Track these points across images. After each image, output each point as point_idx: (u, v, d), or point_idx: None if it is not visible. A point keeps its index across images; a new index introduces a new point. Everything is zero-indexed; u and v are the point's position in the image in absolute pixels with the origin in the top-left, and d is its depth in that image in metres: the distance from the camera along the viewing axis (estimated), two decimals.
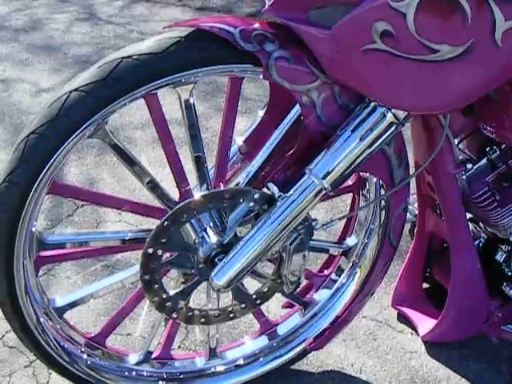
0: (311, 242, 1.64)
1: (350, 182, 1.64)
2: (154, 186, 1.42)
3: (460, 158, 1.64)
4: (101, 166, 2.64)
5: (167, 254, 1.46)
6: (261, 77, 1.33)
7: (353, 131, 1.36)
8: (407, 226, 2.06)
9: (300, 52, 1.32)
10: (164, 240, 1.40)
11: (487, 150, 1.68)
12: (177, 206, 1.39)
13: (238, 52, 1.30)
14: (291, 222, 1.40)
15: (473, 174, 1.69)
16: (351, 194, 1.69)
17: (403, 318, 1.93)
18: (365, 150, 1.37)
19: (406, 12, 1.23)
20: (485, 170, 1.69)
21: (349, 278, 1.70)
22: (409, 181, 1.56)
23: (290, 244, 1.45)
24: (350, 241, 1.70)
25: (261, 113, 1.58)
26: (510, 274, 1.81)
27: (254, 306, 1.57)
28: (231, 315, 1.57)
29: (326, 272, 1.75)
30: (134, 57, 1.28)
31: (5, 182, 1.30)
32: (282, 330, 1.74)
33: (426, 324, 1.86)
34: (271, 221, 1.39)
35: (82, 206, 2.37)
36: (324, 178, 1.37)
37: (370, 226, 1.64)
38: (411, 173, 1.56)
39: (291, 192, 1.39)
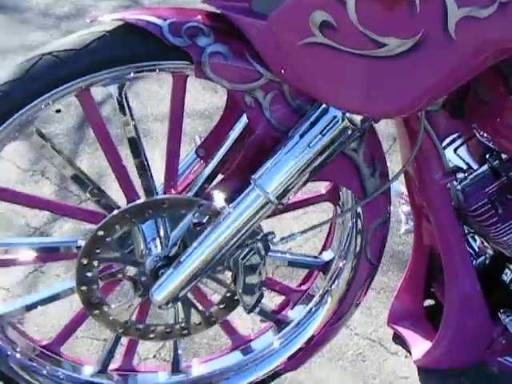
0: (286, 256, 1.52)
1: (323, 190, 1.48)
2: (96, 192, 1.31)
3: (451, 165, 1.44)
4: None
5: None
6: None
7: (301, 136, 1.21)
8: None
9: (241, 46, 1.17)
10: (98, 250, 1.29)
11: (487, 156, 1.48)
12: (109, 216, 1.27)
13: (169, 47, 1.16)
14: (235, 236, 1.25)
15: (470, 184, 1.49)
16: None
17: (399, 339, 1.74)
18: (315, 157, 1.21)
19: None
20: (485, 179, 1.48)
21: (325, 295, 1.54)
22: (386, 191, 1.39)
23: (242, 259, 1.31)
24: (326, 255, 1.54)
25: None
26: None
27: (210, 323, 1.44)
28: (184, 332, 1.44)
29: (303, 287, 1.60)
30: (54, 53, 1.17)
31: None
32: (256, 345, 1.61)
33: (420, 347, 1.67)
34: (212, 235, 1.25)
35: (87, 200, 2.29)
36: (269, 189, 1.22)
37: (346, 241, 1.48)
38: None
39: (235, 204, 1.25)
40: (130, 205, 1.28)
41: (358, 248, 1.45)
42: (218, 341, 1.78)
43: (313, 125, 1.20)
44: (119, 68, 1.18)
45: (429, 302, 1.76)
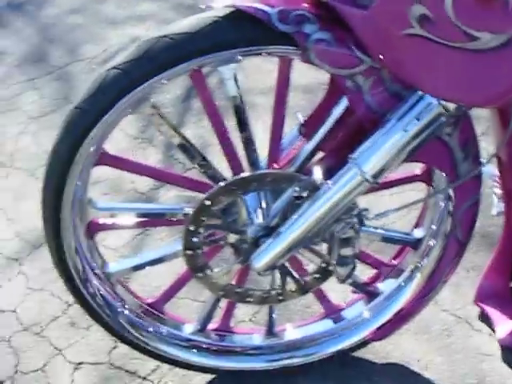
0: (379, 231, 1.58)
1: (417, 171, 1.54)
2: (203, 163, 1.42)
3: None
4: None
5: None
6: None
7: (398, 120, 1.27)
8: None
9: (343, 34, 1.24)
10: (204, 218, 1.41)
11: None
12: (216, 187, 1.38)
13: (276, 33, 1.25)
14: (331, 211, 1.34)
15: None
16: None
17: (485, 317, 1.79)
18: (411, 140, 1.28)
19: None
20: None
21: (414, 271, 1.61)
22: (478, 174, 1.43)
23: (338, 232, 1.39)
24: (418, 233, 1.60)
25: None
26: None
27: (304, 291, 1.54)
28: (280, 298, 1.55)
29: (394, 262, 1.67)
30: (171, 36, 1.27)
31: None
32: (346, 314, 1.70)
33: (505, 326, 1.72)
34: (310, 209, 1.35)
35: (191, 169, 2.41)
36: (366, 168, 1.29)
37: (437, 221, 1.54)
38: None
39: (333, 180, 1.33)
40: (236, 177, 1.38)
41: (448, 229, 1.50)
42: (310, 308, 1.87)
43: (409, 110, 1.26)
44: (229, 51, 1.28)
45: None
